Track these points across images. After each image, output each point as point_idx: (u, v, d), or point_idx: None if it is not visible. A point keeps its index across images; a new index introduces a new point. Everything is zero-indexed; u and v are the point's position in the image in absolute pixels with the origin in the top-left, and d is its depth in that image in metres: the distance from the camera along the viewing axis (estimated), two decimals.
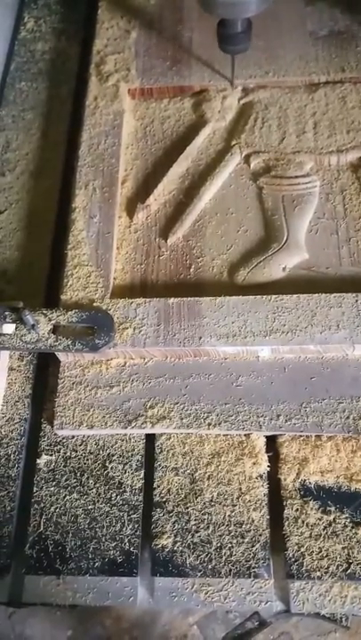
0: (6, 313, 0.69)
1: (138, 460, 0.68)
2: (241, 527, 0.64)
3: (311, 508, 0.64)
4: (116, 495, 0.67)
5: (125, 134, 0.86)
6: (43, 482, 0.68)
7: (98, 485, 0.67)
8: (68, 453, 0.69)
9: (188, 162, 0.84)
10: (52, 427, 0.69)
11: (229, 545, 0.64)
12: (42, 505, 0.67)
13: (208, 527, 0.65)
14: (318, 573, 0.62)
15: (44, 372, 0.75)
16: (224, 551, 0.63)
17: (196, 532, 0.64)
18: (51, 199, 0.86)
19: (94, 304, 0.71)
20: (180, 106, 0.89)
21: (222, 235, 0.79)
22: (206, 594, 0.62)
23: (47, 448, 0.70)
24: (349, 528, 0.63)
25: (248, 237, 0.78)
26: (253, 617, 0.64)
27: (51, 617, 0.70)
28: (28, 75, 0.98)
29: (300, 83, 0.87)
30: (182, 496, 0.66)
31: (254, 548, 0.63)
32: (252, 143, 0.83)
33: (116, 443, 0.69)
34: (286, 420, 0.67)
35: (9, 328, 0.69)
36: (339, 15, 0.92)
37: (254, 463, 0.67)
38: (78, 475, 0.68)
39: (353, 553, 0.62)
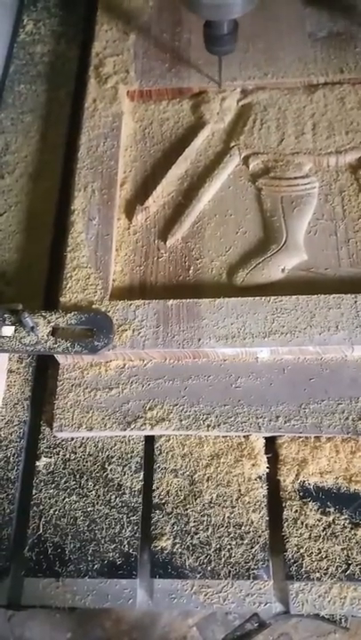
0: (5, 315, 0.69)
1: (137, 462, 0.68)
2: (240, 528, 0.64)
3: (310, 510, 0.64)
4: (116, 497, 0.67)
5: (124, 136, 0.86)
6: (42, 484, 0.68)
7: (97, 487, 0.67)
8: (68, 455, 0.69)
9: (186, 163, 0.84)
10: (52, 429, 0.69)
11: (229, 546, 0.64)
12: (41, 507, 0.67)
13: (207, 529, 0.65)
14: (318, 574, 0.62)
15: (43, 374, 0.75)
16: (223, 553, 0.63)
17: (196, 533, 0.64)
18: (50, 201, 0.86)
19: (93, 306, 0.71)
20: (179, 108, 0.89)
21: (221, 236, 0.79)
22: (206, 595, 0.62)
23: (46, 450, 0.70)
24: (349, 529, 0.63)
25: (247, 239, 0.78)
26: (253, 618, 0.64)
27: (50, 619, 0.70)
28: (27, 77, 0.98)
29: (298, 84, 0.87)
30: (181, 498, 0.66)
31: (254, 550, 0.63)
32: (251, 144, 0.83)
33: (116, 445, 0.69)
34: (285, 422, 0.66)
35: (8, 330, 0.69)
36: (338, 17, 0.92)
37: (253, 464, 0.67)
38: (77, 477, 0.68)
39: (352, 554, 0.62)
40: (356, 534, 0.63)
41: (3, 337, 0.69)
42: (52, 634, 0.69)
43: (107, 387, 0.70)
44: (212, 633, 0.66)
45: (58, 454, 0.70)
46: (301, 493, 0.65)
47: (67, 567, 0.64)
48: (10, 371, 0.75)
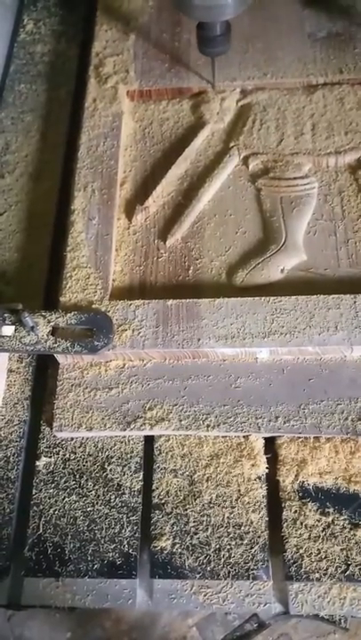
0: (5, 315, 0.70)
1: (137, 462, 0.68)
2: (240, 529, 0.64)
3: (310, 510, 0.64)
4: (115, 497, 0.67)
5: (124, 136, 0.86)
6: (42, 484, 0.68)
7: (97, 487, 0.67)
8: (67, 455, 0.69)
9: (186, 163, 0.84)
10: (52, 429, 0.69)
11: (228, 547, 0.64)
12: (41, 507, 0.67)
13: (207, 529, 0.65)
14: (317, 575, 0.62)
15: (43, 374, 0.75)
16: (223, 553, 0.63)
17: (195, 533, 0.64)
18: (50, 201, 0.86)
19: (93, 306, 0.71)
20: (179, 107, 0.89)
21: (221, 236, 0.79)
22: (205, 596, 0.62)
23: (46, 450, 0.70)
24: (348, 529, 0.63)
25: (246, 239, 0.78)
26: (252, 619, 0.64)
27: (50, 619, 0.70)
28: (27, 77, 0.98)
29: (298, 84, 0.87)
30: (181, 498, 0.66)
31: (253, 550, 0.63)
32: (251, 145, 0.83)
33: (115, 445, 0.69)
34: (285, 422, 0.67)
35: (8, 330, 0.69)
36: (337, 17, 0.92)
37: (253, 465, 0.67)
38: (77, 477, 0.68)
39: (352, 554, 0.62)
40: (355, 535, 0.63)
41: (3, 336, 0.69)
42: (51, 634, 0.69)
43: (106, 387, 0.70)
44: (211, 633, 0.67)
45: (58, 454, 0.70)
46: (301, 494, 0.65)
47: (66, 567, 0.64)
48: (10, 370, 0.75)
